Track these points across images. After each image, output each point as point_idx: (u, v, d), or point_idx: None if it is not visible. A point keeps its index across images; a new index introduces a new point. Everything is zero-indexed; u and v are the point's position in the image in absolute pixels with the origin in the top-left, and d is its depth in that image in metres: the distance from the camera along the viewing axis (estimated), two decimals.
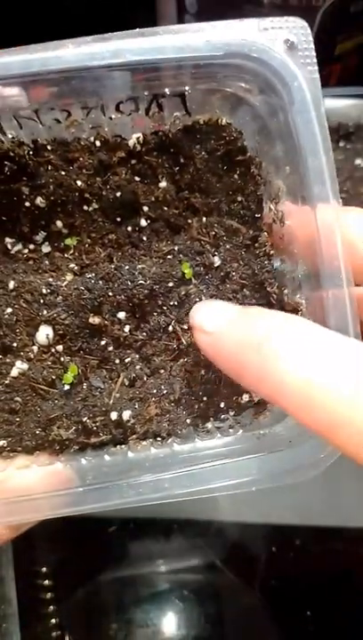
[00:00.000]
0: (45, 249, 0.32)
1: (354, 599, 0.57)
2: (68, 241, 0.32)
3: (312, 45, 0.26)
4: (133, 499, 0.25)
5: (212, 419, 0.31)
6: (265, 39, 0.26)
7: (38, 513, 0.25)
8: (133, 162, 0.32)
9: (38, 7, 0.67)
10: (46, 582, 0.60)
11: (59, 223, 0.32)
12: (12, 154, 0.30)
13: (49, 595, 0.59)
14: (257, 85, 0.29)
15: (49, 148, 0.31)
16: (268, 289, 0.31)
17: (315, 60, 0.26)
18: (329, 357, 0.21)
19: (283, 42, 0.27)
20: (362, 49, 0.65)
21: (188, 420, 0.31)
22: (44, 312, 0.31)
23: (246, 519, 0.61)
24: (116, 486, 0.25)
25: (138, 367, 0.32)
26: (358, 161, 0.61)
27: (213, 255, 0.32)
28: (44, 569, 0.60)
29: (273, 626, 0.58)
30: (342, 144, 0.63)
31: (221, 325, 0.25)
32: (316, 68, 0.25)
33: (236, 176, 0.32)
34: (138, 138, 0.32)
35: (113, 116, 0.31)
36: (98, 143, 0.31)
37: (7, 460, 0.29)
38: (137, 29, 0.28)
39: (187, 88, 0.29)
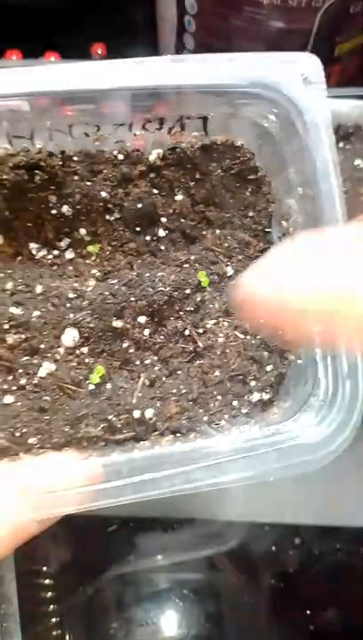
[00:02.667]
0: (69, 255, 0.36)
1: (354, 599, 0.60)
2: (91, 248, 0.36)
3: (323, 79, 0.30)
4: (167, 489, 0.28)
5: (226, 415, 0.35)
6: (284, 72, 0.30)
7: (77, 505, 0.28)
8: (152, 175, 0.36)
9: (38, 7, 0.70)
10: (47, 581, 0.63)
11: (82, 231, 0.35)
12: (42, 164, 0.33)
13: (49, 594, 0.62)
14: (274, 113, 0.33)
15: (75, 159, 0.35)
16: None
17: (326, 93, 0.30)
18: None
19: (299, 75, 0.31)
20: (362, 49, 0.68)
21: (204, 418, 0.34)
22: (71, 315, 0.34)
23: (245, 518, 0.64)
24: (151, 479, 0.29)
25: (157, 368, 0.35)
26: (357, 162, 0.64)
27: (226, 265, 0.36)
28: (45, 568, 0.63)
29: (273, 625, 0.61)
30: (341, 145, 0.66)
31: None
32: (327, 100, 0.29)
33: (248, 193, 0.36)
34: (158, 153, 0.35)
35: (137, 133, 0.35)
36: (120, 157, 0.35)
37: (37, 457, 0.32)
38: (169, 56, 0.31)
39: (211, 112, 0.33)
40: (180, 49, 0.65)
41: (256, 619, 0.63)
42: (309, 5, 0.54)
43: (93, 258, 0.36)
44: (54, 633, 0.62)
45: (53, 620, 0.63)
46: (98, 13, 0.73)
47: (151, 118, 0.33)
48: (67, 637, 0.62)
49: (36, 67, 0.31)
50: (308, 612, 0.62)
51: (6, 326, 0.34)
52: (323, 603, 0.62)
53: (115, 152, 0.35)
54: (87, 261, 0.36)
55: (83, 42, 0.71)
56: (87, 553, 0.65)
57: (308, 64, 0.30)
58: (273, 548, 0.66)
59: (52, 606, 0.63)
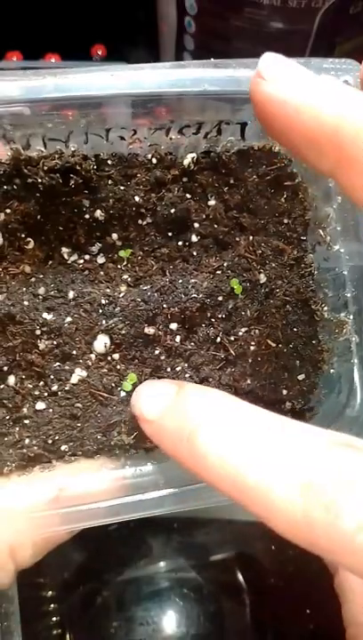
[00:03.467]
0: (100, 260, 0.35)
1: None
2: (122, 253, 0.36)
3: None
4: (207, 501, 0.29)
5: None
6: None
7: (110, 517, 0.28)
8: (186, 180, 0.36)
9: (38, 6, 0.69)
10: (47, 580, 0.63)
11: (114, 235, 0.35)
12: (78, 168, 0.33)
13: (50, 593, 0.62)
14: None
15: (109, 162, 0.34)
16: (312, 307, 0.35)
17: None
18: (257, 449, 0.22)
19: (342, 82, 0.31)
20: (362, 50, 0.69)
21: None
22: (103, 322, 0.34)
23: (246, 518, 0.65)
24: (191, 490, 0.29)
25: (188, 375, 0.35)
26: None
27: (259, 272, 0.36)
28: (45, 567, 0.63)
29: (273, 625, 0.63)
30: None
31: (159, 413, 0.27)
32: None
33: (283, 200, 0.36)
34: (192, 158, 0.35)
35: (173, 137, 0.34)
36: (154, 160, 0.35)
37: (70, 464, 0.32)
38: (212, 60, 0.31)
39: (251, 118, 0.33)
40: (180, 50, 0.65)
41: (256, 618, 0.64)
42: (309, 6, 0.54)
43: (125, 263, 0.36)
44: (54, 632, 0.62)
45: (54, 619, 0.63)
46: (98, 15, 0.73)
47: (190, 123, 0.33)
48: (67, 636, 0.62)
49: (75, 71, 0.30)
50: (308, 611, 0.63)
51: (38, 332, 0.33)
52: (323, 602, 0.63)
53: (149, 155, 0.35)
54: (118, 266, 0.36)
55: (83, 43, 0.72)
56: (88, 552, 0.65)
57: (349, 70, 0.30)
58: (273, 547, 0.67)
59: (52, 605, 0.63)
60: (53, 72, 0.29)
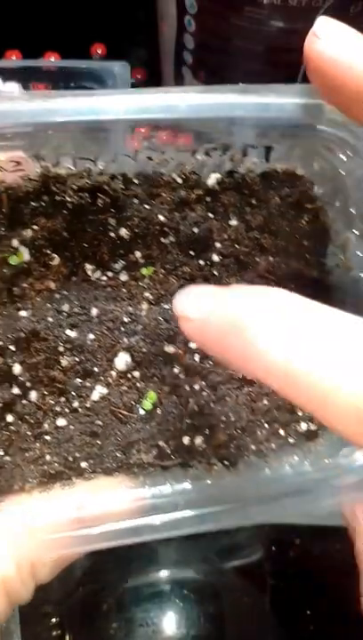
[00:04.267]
0: (123, 277, 0.36)
1: (354, 599, 0.63)
2: (144, 271, 0.36)
3: None
4: (224, 523, 0.30)
5: (273, 445, 0.36)
6: None
7: (135, 537, 0.29)
8: (208, 199, 0.36)
9: (37, 5, 0.70)
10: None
11: (137, 253, 0.36)
12: (106, 187, 0.34)
13: (50, 594, 0.63)
14: (340, 146, 0.33)
15: (135, 182, 0.35)
16: None
17: None
18: (308, 336, 0.21)
19: None
20: None
21: (252, 447, 0.36)
22: (124, 340, 0.35)
23: (247, 521, 0.66)
24: (211, 513, 0.30)
25: (205, 394, 0.36)
26: None
27: None
28: None
29: (273, 626, 0.64)
30: None
31: (203, 311, 0.25)
32: None
33: (304, 222, 0.37)
34: (216, 178, 0.36)
35: (199, 157, 0.35)
36: (179, 180, 0.35)
37: (89, 482, 0.33)
38: (241, 85, 0.32)
39: (277, 143, 0.34)
40: (180, 49, 0.65)
41: (256, 619, 0.65)
42: (309, 5, 0.54)
43: (147, 280, 0.36)
44: (54, 633, 0.64)
45: (53, 619, 0.64)
46: (97, 13, 0.73)
47: (217, 146, 0.34)
48: (66, 637, 0.64)
49: (109, 92, 0.31)
50: (308, 612, 0.64)
51: (61, 349, 0.34)
52: (324, 603, 0.64)
53: (174, 175, 0.35)
54: (140, 284, 0.36)
55: (83, 42, 0.72)
56: (87, 553, 0.66)
57: None
58: (273, 547, 0.68)
59: (52, 606, 0.64)
60: (89, 93, 0.30)
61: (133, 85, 0.61)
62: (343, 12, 0.59)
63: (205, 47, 0.62)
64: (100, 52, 0.73)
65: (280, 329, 0.21)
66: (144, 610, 0.66)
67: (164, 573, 0.67)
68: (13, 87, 0.61)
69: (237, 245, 0.37)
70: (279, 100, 0.32)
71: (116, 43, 0.73)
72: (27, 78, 0.62)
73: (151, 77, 0.74)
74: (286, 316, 0.22)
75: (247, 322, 0.22)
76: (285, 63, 0.60)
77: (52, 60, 0.68)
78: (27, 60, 0.66)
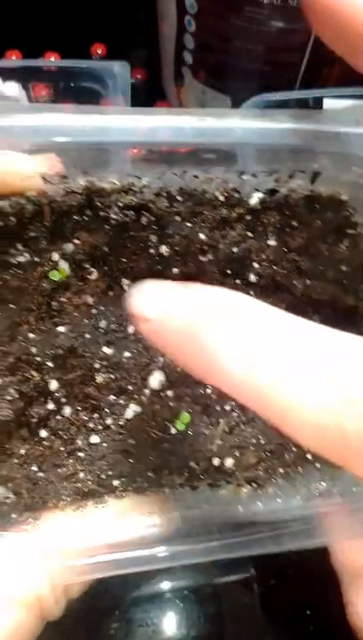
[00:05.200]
0: None
1: None
2: None
3: None
4: (258, 551, 0.30)
5: (300, 469, 0.37)
6: None
7: (169, 562, 0.30)
8: (249, 218, 0.36)
9: (37, 4, 0.69)
10: None
11: (175, 270, 0.36)
12: (151, 205, 0.34)
13: None
14: None
15: (179, 199, 0.35)
16: None
17: None
18: (267, 348, 0.20)
19: None
20: None
21: (281, 470, 0.36)
22: (160, 358, 0.35)
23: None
24: (245, 541, 0.30)
25: (235, 415, 0.37)
26: None
27: (313, 317, 0.37)
28: None
29: (273, 626, 0.65)
30: None
31: (161, 311, 0.23)
32: None
33: (343, 247, 0.37)
34: (259, 198, 0.36)
35: (245, 178, 0.35)
36: (221, 198, 0.35)
37: (120, 501, 0.33)
38: (297, 110, 0.32)
39: (326, 169, 0.34)
40: (180, 49, 0.65)
41: (256, 619, 0.66)
42: None
43: None
44: (54, 633, 0.64)
45: (53, 620, 0.65)
46: (97, 13, 0.73)
47: (266, 169, 0.34)
48: (66, 637, 0.64)
49: (167, 112, 0.31)
50: (308, 612, 0.65)
51: (97, 365, 0.34)
52: (324, 604, 0.66)
53: (216, 193, 0.35)
54: None
55: (83, 42, 0.72)
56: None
57: None
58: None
59: None
60: (145, 112, 0.30)
61: (133, 85, 0.61)
62: None
63: (206, 47, 0.62)
64: (100, 51, 0.73)
65: (239, 339, 0.20)
66: (144, 610, 0.67)
67: (164, 574, 0.68)
68: (13, 87, 0.61)
69: (274, 266, 0.37)
70: (334, 129, 0.32)
71: (116, 43, 0.73)
72: (26, 78, 0.62)
73: (151, 77, 0.74)
74: (247, 325, 0.21)
75: (204, 328, 0.21)
76: (285, 63, 0.60)
77: (51, 60, 0.68)
78: (27, 60, 0.66)
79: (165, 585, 0.67)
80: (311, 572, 0.68)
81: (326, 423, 0.19)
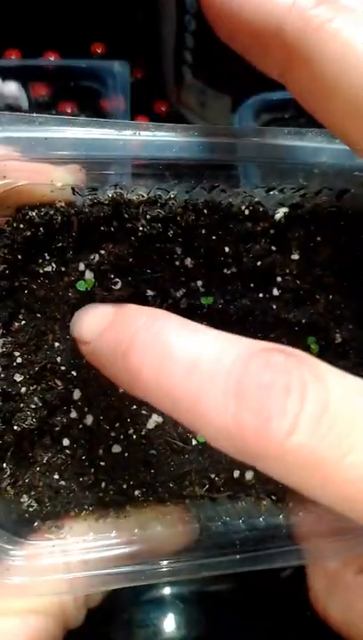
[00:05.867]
0: (182, 305, 0.37)
1: None
2: (204, 300, 0.37)
3: None
4: (278, 564, 0.31)
5: None
6: None
7: (189, 575, 0.31)
8: (273, 232, 0.37)
9: (37, 3, 0.70)
10: None
11: (199, 282, 0.36)
12: (178, 218, 0.34)
13: None
14: None
15: (205, 212, 0.35)
16: None
17: None
18: (187, 359, 0.23)
19: None
20: None
21: None
22: None
23: None
24: (267, 555, 0.31)
25: None
26: None
27: (336, 332, 0.38)
28: None
29: (274, 627, 0.66)
30: None
31: (96, 334, 0.27)
32: None
33: None
34: (284, 212, 0.36)
35: (272, 193, 0.36)
36: (247, 212, 0.36)
37: (141, 512, 0.34)
38: (325, 131, 0.32)
39: (354, 187, 0.34)
40: (180, 48, 0.66)
41: (256, 619, 0.67)
42: None
43: (205, 310, 0.37)
44: None
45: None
46: (97, 12, 0.73)
47: (295, 186, 0.34)
48: (66, 638, 0.65)
49: (202, 129, 0.31)
50: (308, 613, 0.66)
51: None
52: None
53: (242, 207, 0.36)
54: (199, 312, 0.37)
55: (82, 41, 0.73)
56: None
57: None
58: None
59: None
60: (175, 128, 0.30)
61: (133, 85, 0.61)
62: None
63: (206, 46, 0.62)
64: (100, 51, 0.74)
65: (159, 359, 0.23)
66: (144, 611, 0.68)
67: (164, 574, 0.69)
68: (13, 86, 0.61)
69: (298, 281, 0.38)
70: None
71: (116, 42, 0.73)
72: (26, 77, 0.63)
73: (151, 77, 0.74)
74: (163, 344, 0.24)
75: (128, 350, 0.24)
76: None
77: (51, 60, 0.68)
78: (26, 59, 0.66)
79: (166, 586, 0.68)
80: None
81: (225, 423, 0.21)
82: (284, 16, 0.23)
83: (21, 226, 0.32)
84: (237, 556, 0.31)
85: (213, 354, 0.23)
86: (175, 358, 0.23)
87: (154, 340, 0.24)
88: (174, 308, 0.36)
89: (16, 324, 0.34)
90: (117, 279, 0.35)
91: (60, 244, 0.33)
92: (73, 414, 0.34)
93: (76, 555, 0.31)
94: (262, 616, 0.68)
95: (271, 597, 0.69)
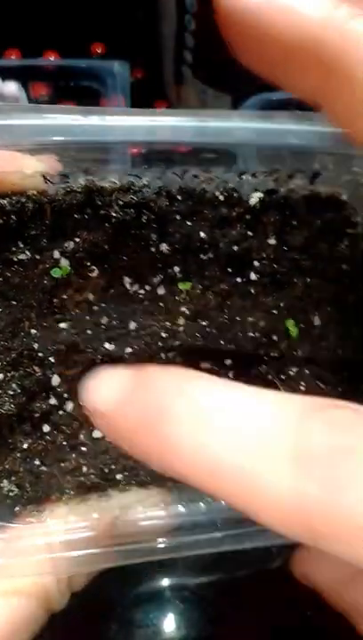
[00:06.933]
0: (160, 291, 0.37)
1: None
2: (182, 285, 0.38)
3: None
4: (261, 543, 0.32)
5: None
6: None
7: (172, 553, 0.31)
8: (249, 217, 0.38)
9: (36, 3, 0.71)
10: None
11: (176, 268, 0.37)
12: (151, 204, 0.35)
13: None
14: None
15: (179, 198, 0.36)
16: None
17: None
18: (233, 428, 0.20)
19: None
20: None
21: None
22: (161, 355, 0.36)
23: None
24: (248, 533, 0.32)
25: None
26: None
27: (314, 315, 0.39)
28: None
29: (274, 627, 0.66)
30: None
31: (116, 404, 0.24)
32: None
33: (343, 246, 0.38)
34: (259, 197, 0.37)
35: (244, 177, 0.36)
36: (221, 198, 0.37)
37: (124, 494, 0.35)
38: (296, 111, 0.33)
39: (326, 170, 0.35)
40: (180, 48, 0.67)
41: (256, 619, 0.67)
42: None
43: (184, 295, 0.38)
44: (53, 633, 0.65)
45: (52, 620, 0.66)
46: (97, 12, 0.75)
47: (266, 169, 0.35)
48: (66, 638, 0.65)
49: (168, 112, 0.32)
50: (309, 613, 0.66)
51: (99, 361, 0.36)
52: (325, 604, 0.67)
53: (216, 192, 0.36)
54: (177, 298, 0.38)
55: (82, 41, 0.75)
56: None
57: None
58: (273, 549, 0.70)
59: None
60: (145, 112, 0.31)
61: (133, 85, 0.63)
62: None
63: (206, 46, 0.63)
64: (99, 51, 0.75)
65: (199, 428, 0.20)
66: (144, 611, 0.68)
67: (165, 575, 0.69)
68: (12, 86, 0.62)
69: (275, 265, 0.38)
70: (332, 129, 0.33)
71: (116, 42, 0.75)
72: (26, 77, 0.64)
73: (151, 76, 0.75)
74: (206, 411, 0.21)
75: (157, 423, 0.21)
76: None
77: (51, 59, 0.70)
78: (26, 59, 0.68)
79: (166, 585, 0.68)
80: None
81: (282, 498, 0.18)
82: (322, 29, 0.21)
83: None
84: (218, 534, 0.32)
85: (261, 416, 0.20)
86: (218, 426, 0.20)
87: (190, 406, 0.21)
88: (152, 294, 0.37)
89: None
90: (93, 267, 0.36)
91: (33, 232, 0.34)
92: (52, 400, 0.35)
93: (57, 536, 0.31)
94: (262, 616, 0.69)
95: (271, 597, 0.69)
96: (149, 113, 0.31)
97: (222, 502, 0.34)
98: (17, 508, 0.33)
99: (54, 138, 0.31)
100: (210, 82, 0.66)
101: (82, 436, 0.35)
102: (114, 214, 0.34)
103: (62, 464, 0.35)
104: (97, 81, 0.62)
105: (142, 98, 0.72)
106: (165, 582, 0.69)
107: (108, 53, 0.75)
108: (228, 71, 0.63)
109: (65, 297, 0.36)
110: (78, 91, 0.64)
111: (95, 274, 0.36)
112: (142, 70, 0.75)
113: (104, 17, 0.75)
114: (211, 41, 0.61)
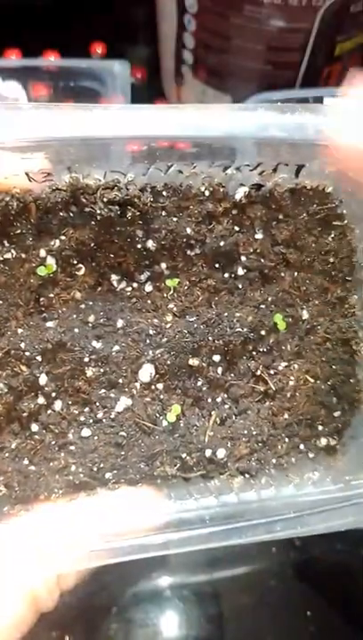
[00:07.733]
0: (148, 288, 0.37)
1: (354, 600, 0.65)
2: (169, 282, 0.38)
3: None
4: (249, 539, 0.32)
5: (293, 459, 0.38)
6: None
7: (163, 550, 0.31)
8: (235, 212, 0.38)
9: (37, 3, 0.73)
10: None
11: (163, 265, 0.37)
12: (136, 200, 0.35)
13: None
14: None
15: (164, 194, 0.36)
16: (353, 347, 0.38)
17: None
18: None
19: None
20: (362, 49, 0.71)
21: (273, 460, 0.37)
22: (149, 352, 0.37)
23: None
24: (236, 529, 0.32)
25: (227, 407, 0.38)
26: None
27: (302, 309, 0.39)
28: None
29: (273, 627, 0.66)
30: None
31: None
32: None
33: (330, 239, 0.39)
34: (244, 192, 0.37)
35: (229, 172, 0.36)
36: (207, 193, 0.37)
37: (113, 492, 0.35)
38: (279, 104, 0.33)
39: (309, 162, 0.35)
40: (180, 48, 0.67)
41: (256, 619, 0.67)
42: (309, 4, 0.56)
43: (171, 292, 0.38)
44: (53, 634, 0.66)
45: (52, 620, 0.66)
46: (97, 12, 0.76)
47: (250, 163, 0.35)
48: (66, 638, 0.66)
49: (146, 107, 0.32)
50: (308, 613, 0.67)
51: (86, 359, 0.36)
52: (324, 605, 0.67)
53: (202, 188, 0.37)
54: (165, 295, 0.38)
55: (82, 41, 0.75)
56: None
57: None
58: (273, 549, 0.71)
59: None
60: (129, 108, 0.31)
61: (133, 85, 0.63)
62: (344, 10, 0.60)
63: (206, 46, 0.63)
64: (99, 51, 0.76)
65: None
66: (144, 610, 0.68)
67: (164, 574, 0.70)
68: (13, 86, 0.63)
69: (262, 259, 0.38)
70: (315, 121, 0.33)
71: (116, 42, 0.76)
72: (26, 77, 0.64)
73: (151, 76, 0.76)
74: None
75: None
76: (285, 62, 0.61)
77: (51, 59, 0.70)
78: (26, 59, 0.68)
79: (166, 585, 0.68)
80: (311, 573, 0.69)
81: None
82: None
83: None
84: (207, 531, 0.32)
85: None
86: None
87: None
88: (139, 291, 0.37)
89: None
90: (80, 264, 0.36)
91: (18, 231, 0.34)
92: (40, 400, 0.35)
93: (45, 535, 0.31)
94: (262, 616, 0.69)
95: (271, 597, 0.69)
96: (131, 108, 0.31)
97: (212, 498, 0.35)
98: (5, 508, 0.34)
99: (37, 135, 0.31)
100: (210, 82, 0.66)
101: (70, 435, 0.35)
102: (99, 211, 0.34)
103: (51, 463, 0.35)
104: (97, 81, 0.63)
105: (142, 98, 0.72)
106: (165, 582, 0.69)
107: (109, 53, 0.75)
108: (228, 71, 0.63)
109: (52, 295, 0.36)
110: (79, 91, 0.64)
111: (82, 272, 0.36)
112: (143, 70, 0.76)
113: (104, 17, 0.75)
114: (211, 41, 0.62)
